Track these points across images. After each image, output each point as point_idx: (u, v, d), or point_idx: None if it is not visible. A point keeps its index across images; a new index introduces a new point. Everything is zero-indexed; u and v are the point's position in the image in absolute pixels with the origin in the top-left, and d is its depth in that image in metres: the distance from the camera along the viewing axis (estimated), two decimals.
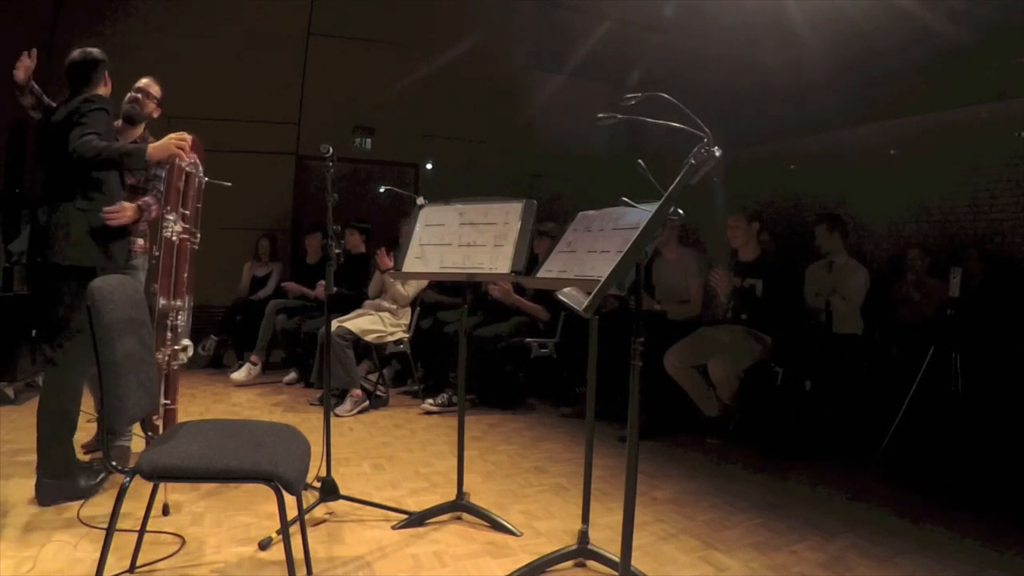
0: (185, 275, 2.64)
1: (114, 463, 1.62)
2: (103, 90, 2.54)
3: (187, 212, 2.61)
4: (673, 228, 4.16)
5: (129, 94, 2.89)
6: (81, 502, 2.35)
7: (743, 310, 3.73)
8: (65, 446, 2.37)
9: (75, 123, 2.32)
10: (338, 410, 3.99)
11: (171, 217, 2.52)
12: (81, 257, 2.35)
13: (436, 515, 2.41)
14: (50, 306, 2.38)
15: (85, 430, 2.88)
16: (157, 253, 2.47)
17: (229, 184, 2.94)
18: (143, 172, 2.79)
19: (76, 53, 2.51)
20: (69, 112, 2.36)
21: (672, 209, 1.37)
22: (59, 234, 2.34)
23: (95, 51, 2.53)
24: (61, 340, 2.38)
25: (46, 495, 2.34)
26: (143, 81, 2.90)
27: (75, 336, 2.37)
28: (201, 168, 2.68)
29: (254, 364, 4.84)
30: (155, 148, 2.36)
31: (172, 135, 2.40)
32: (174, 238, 2.51)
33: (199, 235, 2.73)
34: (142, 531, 1.90)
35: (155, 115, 2.92)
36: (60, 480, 2.35)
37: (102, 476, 2.49)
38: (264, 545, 2.10)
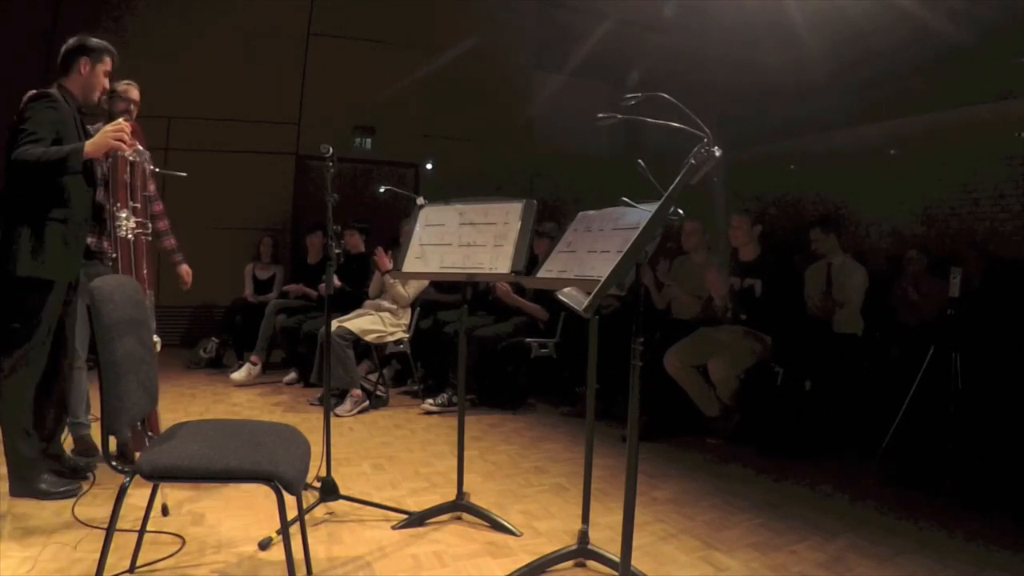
0: (145, 271, 2.55)
1: (114, 463, 1.62)
2: (78, 78, 2.44)
3: (137, 205, 2.46)
4: (702, 233, 4.20)
5: (122, 101, 2.86)
6: (75, 500, 2.36)
7: (742, 310, 3.73)
8: (16, 449, 2.37)
9: (19, 130, 2.23)
10: (338, 410, 3.99)
11: (123, 214, 2.37)
12: (35, 268, 2.30)
13: (436, 515, 2.41)
14: (7, 316, 2.36)
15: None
16: (114, 255, 2.36)
17: (185, 174, 2.90)
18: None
19: (70, 41, 2.46)
20: (16, 116, 2.27)
21: (672, 209, 1.37)
22: (18, 244, 2.29)
23: (78, 39, 2.45)
24: (10, 347, 2.36)
25: (12, 487, 2.40)
26: (122, 86, 2.88)
27: (23, 343, 2.35)
28: (147, 154, 2.55)
29: (254, 364, 4.84)
30: (92, 145, 2.24)
31: (108, 126, 2.26)
32: (129, 235, 2.40)
33: (150, 226, 2.61)
34: (142, 531, 1.90)
35: (130, 115, 2.84)
36: (18, 480, 2.39)
37: (72, 486, 2.45)
38: (264, 545, 2.10)
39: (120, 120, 2.30)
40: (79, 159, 2.22)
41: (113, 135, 2.23)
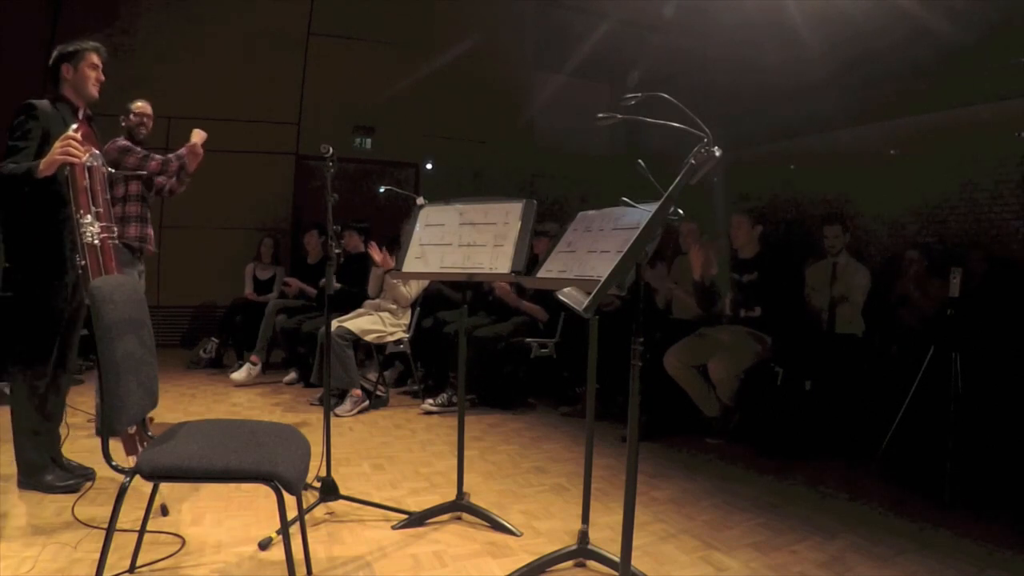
0: (116, 275, 2.52)
1: (113, 463, 1.62)
2: (66, 83, 2.53)
3: (100, 210, 2.45)
4: (701, 233, 4.23)
5: (135, 116, 3.33)
6: (75, 499, 2.37)
7: (744, 304, 3.74)
8: (21, 446, 2.47)
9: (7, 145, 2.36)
10: (338, 410, 3.99)
11: (86, 220, 2.36)
12: (41, 268, 2.43)
13: (436, 515, 2.41)
14: (18, 317, 2.49)
15: (72, 437, 2.91)
16: (83, 262, 2.33)
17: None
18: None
19: (52, 56, 2.55)
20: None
21: (672, 209, 1.37)
22: (21, 245, 2.44)
23: (56, 51, 2.54)
24: (22, 349, 2.46)
25: (20, 480, 2.50)
26: (138, 104, 3.34)
27: (34, 344, 2.44)
28: (100, 157, 2.53)
29: (254, 364, 4.83)
30: (44, 163, 2.27)
31: (56, 144, 2.26)
32: (96, 241, 2.37)
33: (115, 227, 2.60)
34: (142, 531, 1.90)
35: (145, 127, 3.39)
36: (26, 474, 2.48)
37: (74, 481, 2.52)
38: (264, 545, 2.10)
39: (68, 131, 2.31)
40: (32, 176, 2.27)
41: (61, 151, 2.24)
